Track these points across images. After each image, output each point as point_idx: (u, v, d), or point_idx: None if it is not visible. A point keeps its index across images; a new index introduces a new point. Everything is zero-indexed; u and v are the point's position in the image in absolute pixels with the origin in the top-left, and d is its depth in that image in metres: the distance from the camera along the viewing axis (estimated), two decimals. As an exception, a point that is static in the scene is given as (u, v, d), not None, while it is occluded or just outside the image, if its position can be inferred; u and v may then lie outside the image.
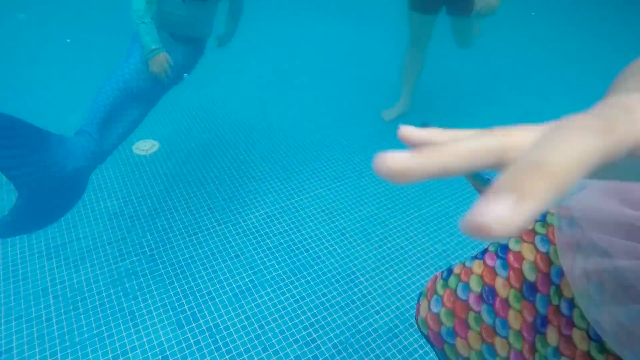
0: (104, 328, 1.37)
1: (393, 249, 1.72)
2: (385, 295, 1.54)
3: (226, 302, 1.47)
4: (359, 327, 1.42)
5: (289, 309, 1.46)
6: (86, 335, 1.34)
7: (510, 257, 0.54)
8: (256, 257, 1.64)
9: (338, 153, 2.26)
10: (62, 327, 1.37)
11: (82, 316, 1.40)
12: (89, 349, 1.31)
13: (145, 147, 2.20)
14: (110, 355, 1.29)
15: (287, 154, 2.23)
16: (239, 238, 1.72)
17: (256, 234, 1.74)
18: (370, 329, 1.42)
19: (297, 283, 1.55)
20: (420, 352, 1.36)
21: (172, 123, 2.41)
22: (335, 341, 1.37)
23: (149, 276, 1.55)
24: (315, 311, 1.46)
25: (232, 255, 1.65)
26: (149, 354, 1.31)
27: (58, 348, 1.31)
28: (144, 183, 1.97)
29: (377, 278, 1.59)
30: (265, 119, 2.51)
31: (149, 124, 2.34)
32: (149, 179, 1.99)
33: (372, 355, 1.34)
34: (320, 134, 2.41)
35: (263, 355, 1.32)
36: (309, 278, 1.57)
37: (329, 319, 1.44)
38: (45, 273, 1.53)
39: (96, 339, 1.34)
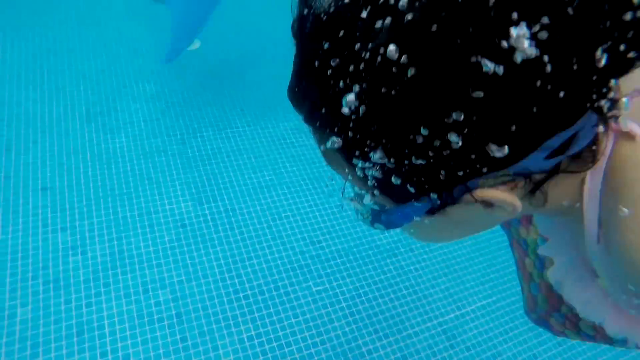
0: (132, 190, 1.48)
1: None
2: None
3: (245, 192, 1.57)
4: (363, 240, 1.51)
5: (302, 211, 1.55)
6: (116, 192, 1.46)
7: None
8: (279, 161, 1.72)
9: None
10: (89, 181, 1.48)
11: (114, 177, 1.51)
12: (118, 204, 1.43)
13: (188, 42, 2.23)
14: (135, 213, 1.41)
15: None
16: (266, 141, 1.79)
17: (282, 141, 1.81)
18: (372, 245, 1.51)
19: (313, 191, 1.63)
20: (414, 273, 1.46)
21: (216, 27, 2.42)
22: (339, 247, 1.47)
23: (177, 156, 1.64)
24: (325, 217, 1.55)
25: (257, 155, 1.72)
26: (170, 219, 1.42)
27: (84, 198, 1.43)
28: (181, 75, 2.02)
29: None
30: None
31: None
32: (185, 72, 2.04)
33: (369, 267, 1.44)
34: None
35: (272, 242, 1.43)
36: (325, 189, 1.65)
37: (337, 227, 1.53)
38: (85, 134, 1.64)
39: (125, 197, 1.46)
